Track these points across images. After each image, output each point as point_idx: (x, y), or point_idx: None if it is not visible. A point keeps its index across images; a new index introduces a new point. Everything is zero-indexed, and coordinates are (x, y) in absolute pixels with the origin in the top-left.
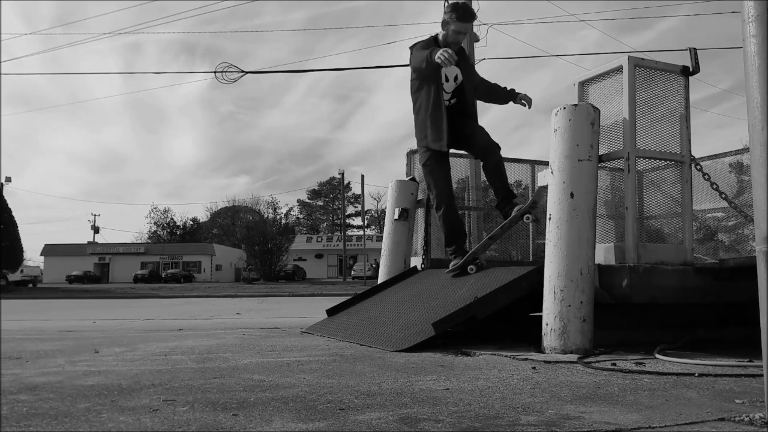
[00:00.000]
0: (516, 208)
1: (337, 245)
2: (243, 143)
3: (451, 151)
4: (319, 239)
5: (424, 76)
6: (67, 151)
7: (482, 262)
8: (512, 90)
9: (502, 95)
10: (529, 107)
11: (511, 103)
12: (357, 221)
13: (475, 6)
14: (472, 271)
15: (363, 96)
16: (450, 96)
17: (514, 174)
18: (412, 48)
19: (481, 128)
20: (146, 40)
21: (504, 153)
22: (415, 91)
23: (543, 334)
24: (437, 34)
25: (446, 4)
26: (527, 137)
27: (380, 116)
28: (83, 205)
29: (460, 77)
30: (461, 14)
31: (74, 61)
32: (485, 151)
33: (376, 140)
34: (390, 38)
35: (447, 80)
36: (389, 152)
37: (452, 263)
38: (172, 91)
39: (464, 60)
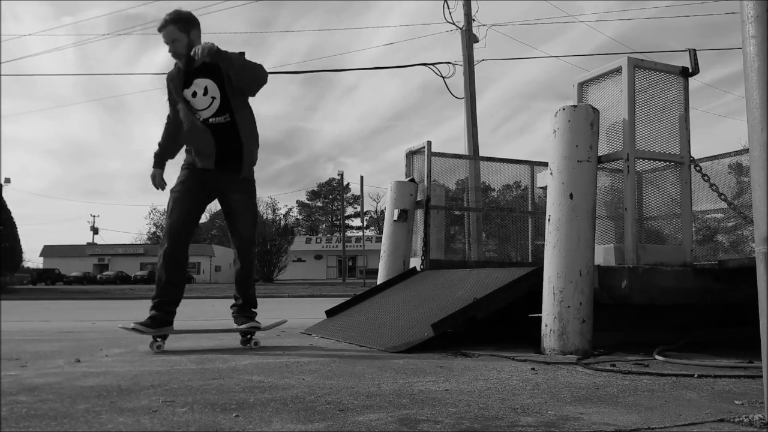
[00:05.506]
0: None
1: (336, 246)
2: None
3: (450, 151)
4: (318, 240)
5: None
6: (34, 143)
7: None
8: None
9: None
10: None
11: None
12: (356, 222)
13: (474, 7)
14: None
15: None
16: (207, 111)
17: (514, 174)
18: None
19: (248, 199)
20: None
21: (504, 153)
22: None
23: (542, 335)
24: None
25: None
26: (527, 137)
27: (373, 105)
28: (84, 206)
29: (215, 90)
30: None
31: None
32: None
33: (370, 130)
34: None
35: (195, 95)
36: (386, 143)
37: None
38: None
39: (213, 67)
